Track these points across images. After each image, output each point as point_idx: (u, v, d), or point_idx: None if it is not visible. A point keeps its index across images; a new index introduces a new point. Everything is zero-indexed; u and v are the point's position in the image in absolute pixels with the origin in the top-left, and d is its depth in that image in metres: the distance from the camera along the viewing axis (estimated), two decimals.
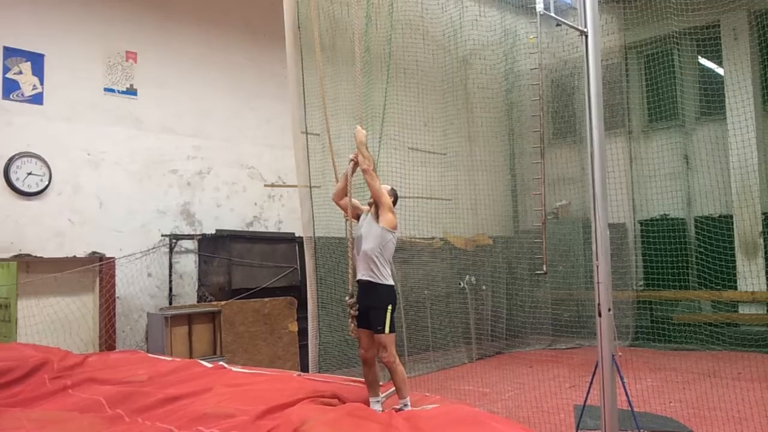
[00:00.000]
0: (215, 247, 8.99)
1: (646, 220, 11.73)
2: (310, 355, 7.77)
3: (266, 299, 8.75)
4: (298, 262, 9.39)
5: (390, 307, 4.84)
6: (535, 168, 5.65)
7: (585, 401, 5.22)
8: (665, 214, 11.45)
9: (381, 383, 5.20)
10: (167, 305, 8.49)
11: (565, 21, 5.03)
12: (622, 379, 4.90)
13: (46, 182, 7.71)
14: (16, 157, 7.51)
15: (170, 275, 8.66)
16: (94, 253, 8.07)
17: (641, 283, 11.66)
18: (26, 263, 7.70)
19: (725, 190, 10.70)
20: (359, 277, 4.97)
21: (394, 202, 5.15)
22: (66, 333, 7.89)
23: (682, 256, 11.00)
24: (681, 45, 10.37)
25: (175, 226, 8.83)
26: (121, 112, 8.46)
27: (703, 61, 11.51)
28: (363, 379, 5.14)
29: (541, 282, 11.12)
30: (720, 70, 11.21)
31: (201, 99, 9.23)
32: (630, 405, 5.09)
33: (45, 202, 7.72)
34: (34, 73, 7.76)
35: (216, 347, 8.18)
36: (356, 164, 5.11)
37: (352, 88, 7.78)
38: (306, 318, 7.83)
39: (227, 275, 8.97)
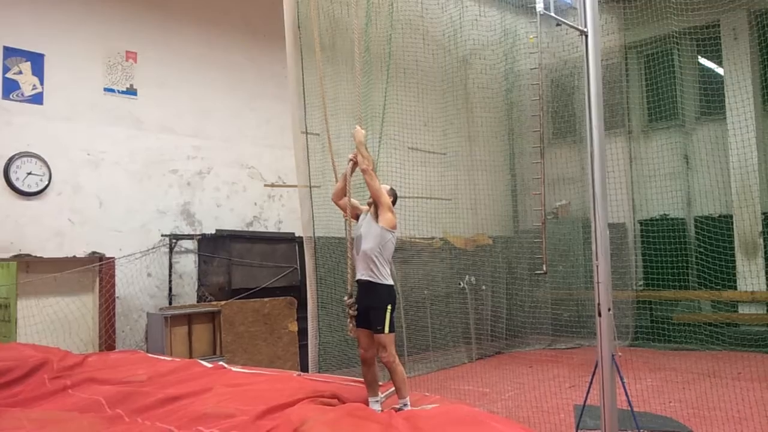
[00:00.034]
0: (215, 247, 8.99)
1: (646, 220, 11.73)
2: (309, 355, 7.77)
3: (266, 299, 8.75)
4: (298, 262, 9.39)
5: (389, 307, 4.84)
6: (535, 168, 5.65)
7: (585, 401, 5.22)
8: (665, 214, 11.45)
9: (381, 383, 5.20)
10: (167, 305, 8.49)
11: (565, 21, 5.03)
12: (621, 379, 4.89)
13: (46, 182, 7.71)
14: (16, 156, 7.51)
15: (170, 275, 8.66)
16: (93, 253, 8.07)
17: (641, 283, 11.66)
18: (26, 263, 7.70)
19: (725, 190, 10.70)
20: (359, 276, 4.97)
21: (394, 202, 5.15)
22: (66, 333, 7.89)
23: (681, 256, 11.00)
24: (681, 45, 10.37)
25: (175, 226, 8.83)
26: (121, 112, 8.46)
27: (703, 60, 11.51)
28: (362, 379, 5.14)
29: (540, 282, 11.12)
30: (720, 70, 11.21)
31: (201, 99, 9.23)
32: (630, 405, 5.09)
33: (45, 201, 7.72)
34: (34, 73, 7.76)
35: (216, 347, 8.18)
36: (355, 164, 5.11)
37: (352, 88, 7.77)
38: (306, 318, 7.83)
39: (227, 275, 8.96)
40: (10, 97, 7.57)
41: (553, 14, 4.90)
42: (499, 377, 8.87)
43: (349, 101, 8.19)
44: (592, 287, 4.92)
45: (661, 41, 10.89)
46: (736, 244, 10.64)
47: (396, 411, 4.58)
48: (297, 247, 9.45)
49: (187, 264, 8.89)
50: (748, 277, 10.25)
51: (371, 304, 4.87)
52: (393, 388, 4.97)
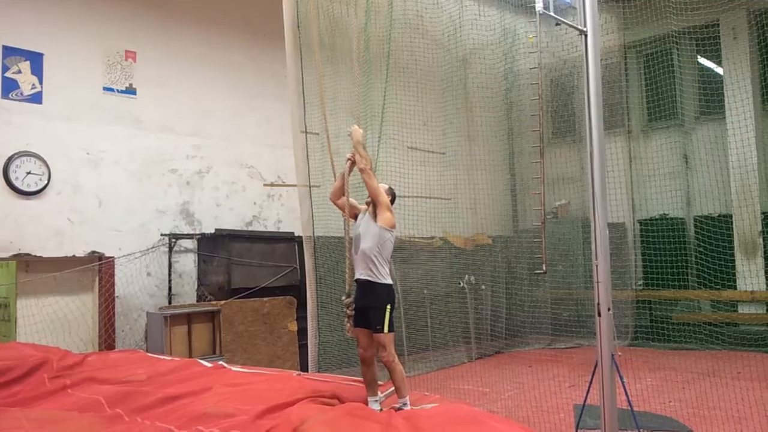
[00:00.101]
0: (214, 246, 8.99)
1: (646, 220, 11.74)
2: (309, 354, 7.76)
3: (265, 299, 8.75)
4: (298, 262, 9.39)
5: (389, 307, 4.85)
6: (535, 167, 5.65)
7: (585, 401, 5.22)
8: (665, 214, 11.46)
9: (380, 383, 5.20)
10: (167, 305, 8.49)
11: (565, 20, 5.03)
12: (621, 378, 4.89)
13: (46, 181, 7.71)
14: (16, 156, 7.50)
15: (169, 275, 8.66)
16: (93, 252, 8.07)
17: (641, 282, 11.66)
18: (25, 262, 7.70)
19: (724, 189, 10.70)
20: (357, 276, 4.97)
21: (392, 201, 5.15)
22: (65, 332, 7.88)
23: (681, 256, 11.00)
24: (680, 44, 10.37)
25: (175, 226, 8.82)
26: (120, 111, 8.45)
27: (702, 60, 11.51)
28: (362, 379, 5.14)
29: (540, 281, 11.11)
30: (719, 70, 11.21)
31: (200, 98, 9.23)
32: (629, 404, 5.09)
33: (44, 201, 7.72)
34: (33, 72, 7.76)
35: (215, 347, 8.18)
36: (353, 163, 5.11)
37: (352, 87, 7.77)
38: (305, 317, 7.82)
39: (226, 275, 8.96)
40: (10, 96, 7.57)
41: (552, 14, 4.90)
42: (498, 377, 8.87)
43: (348, 100, 8.19)
44: (592, 287, 4.92)
45: (661, 41, 10.89)
46: (736, 243, 10.64)
47: (395, 410, 4.58)
48: (296, 247, 9.44)
49: (187, 263, 8.89)
50: (748, 276, 10.25)
51: (370, 303, 4.87)
52: (392, 388, 4.97)
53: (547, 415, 6.69)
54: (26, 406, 5.44)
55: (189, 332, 8.00)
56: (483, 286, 10.92)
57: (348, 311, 4.97)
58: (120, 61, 8.49)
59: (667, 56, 11.24)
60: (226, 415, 4.44)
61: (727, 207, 10.79)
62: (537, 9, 4.85)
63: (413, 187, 9.45)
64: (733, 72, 10.55)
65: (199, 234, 8.98)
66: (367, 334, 4.91)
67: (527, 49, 10.44)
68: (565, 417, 6.66)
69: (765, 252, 10.50)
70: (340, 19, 8.54)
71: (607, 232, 4.95)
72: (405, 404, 4.77)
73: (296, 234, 9.46)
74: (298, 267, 9.38)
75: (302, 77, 7.90)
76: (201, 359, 6.73)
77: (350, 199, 5.25)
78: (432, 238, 10.42)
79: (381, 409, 4.81)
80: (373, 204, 5.00)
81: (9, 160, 7.45)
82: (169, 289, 8.64)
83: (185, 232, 8.90)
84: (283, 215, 9.97)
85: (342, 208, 5.24)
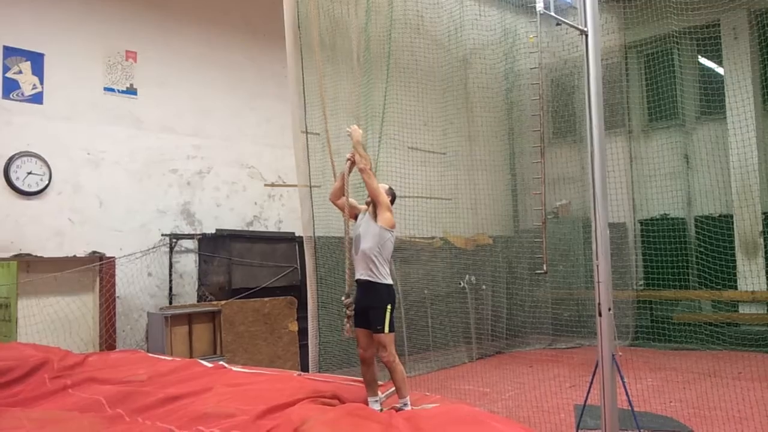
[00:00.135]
0: (215, 246, 8.99)
1: (647, 220, 11.73)
2: (310, 354, 7.77)
3: (266, 299, 8.75)
4: (298, 262, 9.39)
5: (389, 307, 4.84)
6: (535, 167, 5.64)
7: (585, 401, 5.22)
8: (665, 214, 11.45)
9: (381, 383, 5.20)
10: (167, 305, 8.49)
11: (565, 20, 5.03)
12: (622, 378, 4.89)
13: (46, 182, 7.71)
14: (16, 156, 7.51)
15: (170, 275, 8.66)
16: (94, 252, 8.07)
17: (641, 282, 11.65)
18: (26, 263, 7.70)
19: (725, 189, 10.70)
20: (358, 276, 4.97)
21: (392, 201, 5.15)
22: (66, 332, 7.89)
23: (682, 256, 11.00)
24: (681, 44, 10.37)
25: (175, 226, 8.82)
26: (121, 111, 8.46)
27: (703, 60, 11.51)
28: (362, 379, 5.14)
29: (541, 281, 11.11)
30: (720, 70, 11.20)
31: (201, 98, 9.23)
32: (630, 405, 5.09)
33: (45, 201, 7.72)
34: (33, 73, 7.76)
35: (216, 347, 8.18)
36: (353, 164, 5.11)
37: (352, 88, 7.78)
38: (306, 318, 7.82)
39: (227, 275, 8.96)
40: (10, 96, 7.57)
41: (553, 14, 4.90)
42: (499, 377, 8.86)
43: (349, 101, 8.19)
44: (593, 287, 4.92)
45: (662, 41, 10.89)
46: (737, 243, 10.63)
47: (396, 411, 4.58)
48: (297, 247, 9.44)
49: (188, 263, 8.89)
50: (749, 276, 10.24)
51: (371, 303, 4.87)
52: (393, 388, 4.97)
53: (547, 415, 6.68)
54: (27, 406, 5.44)
55: (190, 332, 8.00)
56: (484, 286, 10.92)
57: (347, 311, 4.97)
58: (120, 62, 8.50)
59: (667, 56, 11.24)
60: (226, 416, 4.44)
61: (728, 207, 10.79)
62: (538, 9, 4.85)
63: (414, 187, 9.45)
64: (734, 72, 10.55)
65: (199, 234, 8.98)
66: (367, 335, 4.91)
67: (528, 49, 10.44)
68: (565, 417, 6.66)
69: (766, 252, 10.49)
70: (340, 19, 8.54)
71: (608, 232, 4.94)
72: (405, 404, 4.77)
73: (297, 234, 9.46)
74: (298, 267, 9.38)
75: (303, 77, 7.90)
76: (202, 359, 6.73)
77: (350, 199, 5.24)
78: (432, 238, 10.42)
79: (381, 410, 4.81)
80: (373, 204, 5.00)
81: (10, 161, 7.45)
82: (170, 289, 8.64)
83: (186, 233, 8.90)
84: (283, 215, 9.97)
85: (342, 209, 5.24)
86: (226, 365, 6.38)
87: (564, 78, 11.51)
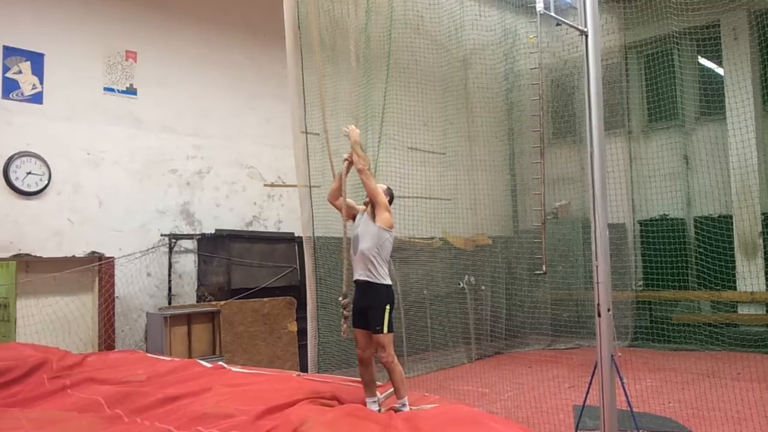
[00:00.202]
0: (214, 246, 8.99)
1: (646, 220, 11.73)
2: (309, 355, 7.76)
3: (265, 299, 8.75)
4: (298, 262, 9.39)
5: (388, 307, 4.84)
6: (535, 168, 5.65)
7: (584, 401, 5.22)
8: (665, 215, 11.45)
9: (380, 383, 5.20)
10: (166, 305, 8.49)
11: (565, 20, 5.03)
12: (621, 379, 4.89)
13: (46, 182, 7.71)
14: (16, 156, 7.50)
15: (169, 275, 8.66)
16: (93, 252, 8.06)
17: (640, 283, 11.65)
18: (25, 263, 7.69)
19: (725, 190, 10.70)
20: (357, 277, 4.96)
21: (390, 201, 5.15)
22: (65, 333, 7.88)
23: (681, 257, 11.00)
24: (681, 45, 10.37)
25: (175, 226, 8.82)
26: (120, 111, 8.45)
27: (703, 60, 11.51)
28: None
29: (540, 282, 11.12)
30: (720, 70, 11.20)
31: (201, 98, 9.23)
32: (629, 405, 5.09)
33: (44, 201, 7.72)
34: (33, 73, 7.76)
35: (215, 347, 8.18)
36: (350, 164, 5.11)
37: (352, 88, 7.77)
38: (305, 318, 7.82)
39: (226, 275, 8.96)
40: (10, 96, 7.57)
41: (553, 14, 4.90)
42: (498, 377, 8.86)
43: (348, 101, 8.19)
44: (592, 287, 4.92)
45: (661, 41, 10.89)
46: (736, 244, 10.64)
47: (395, 411, 4.58)
48: (296, 247, 9.44)
49: (187, 264, 8.89)
50: (748, 277, 10.25)
51: (370, 304, 4.86)
52: (392, 389, 4.97)
53: (546, 415, 6.69)
54: (26, 406, 5.44)
55: (189, 333, 8.00)
56: (483, 287, 10.92)
57: (345, 312, 4.97)
58: (120, 62, 8.49)
59: (667, 57, 11.24)
60: (225, 416, 4.44)
61: (728, 208, 10.79)
62: (538, 9, 4.85)
63: (413, 187, 9.45)
64: (734, 72, 10.55)
65: (199, 234, 8.98)
66: (366, 335, 4.91)
67: (528, 49, 10.44)
68: (564, 418, 6.66)
69: (765, 253, 10.50)
70: (340, 19, 8.53)
71: (607, 232, 4.95)
72: (404, 405, 4.76)
73: (296, 234, 9.46)
74: (298, 267, 9.38)
75: (303, 77, 7.90)
76: (201, 360, 6.73)
77: (347, 199, 5.24)
78: (432, 238, 10.42)
79: (380, 410, 4.81)
80: (372, 204, 5.00)
81: (9, 161, 7.45)
82: (169, 289, 8.64)
83: (185, 233, 8.90)
84: (283, 215, 9.96)
85: (340, 209, 5.23)
86: (225, 365, 6.38)
87: (564, 78, 11.51)
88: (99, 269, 8.06)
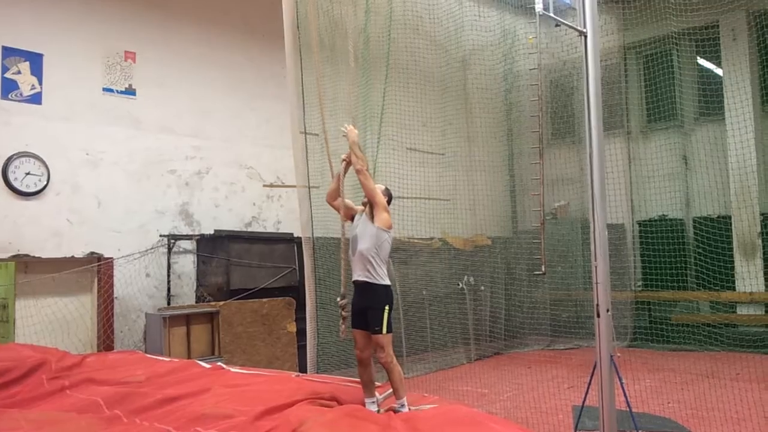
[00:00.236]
0: (214, 247, 8.99)
1: (645, 221, 11.73)
2: (308, 355, 7.76)
3: (265, 300, 8.74)
4: (297, 263, 9.39)
5: (387, 308, 4.83)
6: (534, 168, 5.65)
7: (583, 402, 5.22)
8: (664, 215, 11.46)
9: (379, 384, 5.20)
10: (165, 305, 8.48)
11: (565, 21, 5.03)
12: (620, 379, 4.90)
13: (45, 182, 7.70)
14: (15, 156, 7.50)
15: (168, 275, 8.65)
16: (92, 253, 8.06)
17: (640, 283, 11.66)
18: (24, 263, 7.69)
19: (724, 190, 10.71)
20: (355, 278, 4.95)
21: (389, 202, 5.14)
22: (64, 333, 7.88)
23: (680, 257, 11.00)
24: (680, 45, 10.37)
25: (174, 227, 8.82)
26: (119, 112, 8.45)
27: (702, 61, 11.52)
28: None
29: (539, 282, 11.12)
30: (719, 71, 11.22)
31: (200, 99, 9.22)
32: (628, 405, 5.09)
33: (43, 202, 7.71)
34: (32, 73, 7.75)
35: (214, 348, 8.17)
36: (348, 164, 5.11)
37: (351, 88, 7.78)
38: (304, 318, 7.82)
39: (225, 276, 8.96)
40: (9, 96, 7.56)
41: (552, 15, 4.90)
42: (497, 378, 8.87)
43: (348, 101, 8.19)
44: (591, 288, 4.93)
45: (660, 42, 10.90)
46: (735, 244, 10.65)
47: (393, 412, 4.58)
48: (296, 248, 9.44)
49: (186, 264, 8.88)
50: (747, 277, 10.25)
51: (369, 304, 4.86)
52: (391, 389, 4.97)
53: (545, 416, 6.69)
54: (25, 407, 5.44)
55: (188, 333, 8.00)
56: (482, 287, 10.93)
57: (343, 312, 4.96)
58: (119, 62, 8.49)
59: (666, 57, 11.25)
60: (224, 416, 4.44)
61: (726, 208, 10.80)
62: (537, 10, 4.85)
63: (412, 188, 9.45)
64: (733, 73, 10.56)
65: (198, 235, 8.97)
66: (365, 335, 4.90)
67: (527, 50, 10.44)
68: (563, 418, 6.66)
69: (764, 253, 10.51)
70: (339, 19, 8.54)
71: (607, 233, 4.95)
72: (403, 405, 4.76)
73: (295, 235, 9.46)
74: (297, 268, 9.38)
75: (302, 78, 7.90)
76: (200, 360, 6.72)
77: (346, 200, 5.24)
78: (431, 239, 10.42)
79: (379, 411, 4.81)
80: (370, 205, 4.99)
81: (8, 161, 7.44)
82: (168, 290, 8.63)
83: (184, 233, 8.90)
84: (282, 216, 9.96)
85: (338, 210, 5.23)
86: (224, 366, 6.38)
87: (563, 79, 11.52)
88: (98, 270, 8.05)
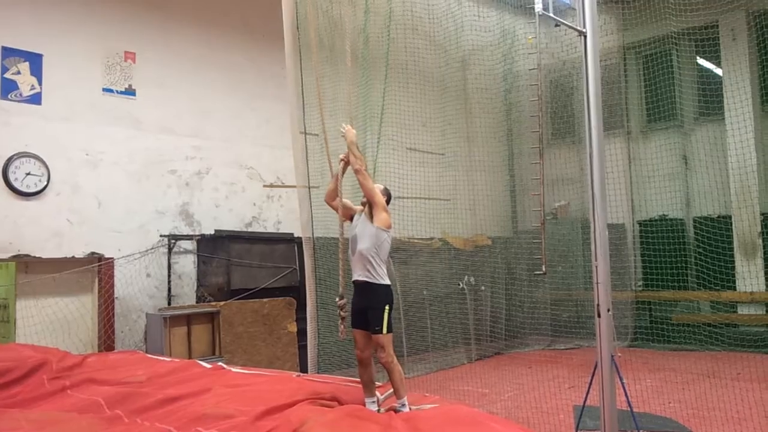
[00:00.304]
0: (214, 247, 8.99)
1: (645, 221, 11.74)
2: (309, 355, 7.76)
3: (265, 300, 8.74)
4: (297, 263, 9.39)
5: (387, 307, 4.83)
6: (534, 168, 5.65)
7: (584, 402, 5.22)
8: (664, 215, 11.46)
9: (379, 384, 5.20)
10: (166, 306, 8.48)
11: (564, 21, 5.04)
12: (621, 379, 4.90)
13: (45, 182, 7.70)
14: (15, 157, 7.50)
15: (169, 276, 8.65)
16: (92, 253, 8.06)
17: (640, 283, 11.66)
18: (25, 263, 7.69)
19: (724, 190, 10.71)
20: (355, 278, 4.95)
21: (388, 201, 5.14)
22: (65, 333, 7.88)
23: (681, 257, 11.01)
24: (680, 45, 10.38)
25: (174, 227, 8.82)
26: (119, 112, 8.45)
27: (701, 61, 11.52)
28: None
29: (540, 282, 11.12)
30: (719, 71, 11.22)
31: (200, 99, 9.22)
32: (629, 405, 5.09)
33: (43, 202, 7.71)
34: (32, 73, 7.75)
35: (215, 348, 8.17)
36: (347, 164, 5.10)
37: (351, 88, 7.77)
38: (305, 318, 7.82)
39: (226, 276, 8.96)
40: (9, 97, 7.56)
41: (551, 15, 4.90)
42: (498, 378, 8.87)
43: (347, 101, 8.19)
44: (592, 288, 4.93)
45: (660, 42, 10.90)
46: (735, 244, 10.65)
47: (394, 412, 4.58)
48: (296, 248, 9.44)
49: (186, 264, 8.88)
50: (747, 277, 10.25)
51: (369, 304, 4.85)
52: (391, 389, 4.97)
53: (546, 416, 6.68)
54: (25, 407, 5.44)
55: (188, 333, 8.00)
56: (482, 287, 10.93)
57: (342, 313, 4.96)
58: (119, 62, 8.49)
59: (666, 57, 11.25)
60: (225, 416, 4.44)
61: (727, 208, 10.80)
62: (536, 10, 4.85)
63: (412, 188, 9.45)
64: (733, 73, 10.57)
65: (198, 235, 8.97)
66: (365, 335, 4.90)
67: (526, 50, 10.45)
68: (564, 418, 6.66)
69: (764, 253, 10.51)
70: (339, 20, 8.54)
71: (607, 233, 4.95)
72: (403, 405, 4.76)
73: (296, 235, 9.46)
74: (297, 268, 9.38)
75: (301, 78, 7.90)
76: (200, 360, 6.72)
77: (344, 200, 5.23)
78: (431, 239, 10.42)
79: (379, 410, 4.81)
80: (369, 205, 4.99)
81: (8, 161, 7.44)
82: (169, 290, 8.63)
83: (185, 233, 8.90)
84: (282, 216, 9.96)
85: (336, 210, 5.23)
86: (224, 366, 6.38)
87: (563, 79, 11.52)
88: (98, 270, 8.05)
